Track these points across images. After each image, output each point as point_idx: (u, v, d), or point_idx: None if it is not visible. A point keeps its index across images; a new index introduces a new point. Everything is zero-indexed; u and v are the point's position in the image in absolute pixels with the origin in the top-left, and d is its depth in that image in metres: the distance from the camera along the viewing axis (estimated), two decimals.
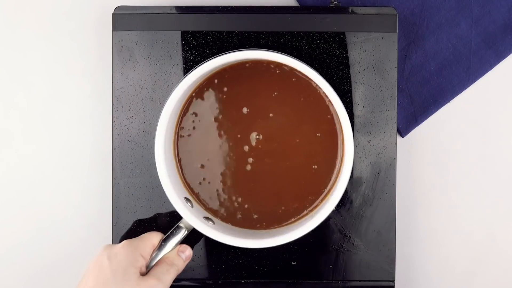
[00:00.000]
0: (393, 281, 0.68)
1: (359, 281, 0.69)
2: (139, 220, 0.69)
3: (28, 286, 0.75)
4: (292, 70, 0.65)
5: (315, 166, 0.66)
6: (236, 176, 0.67)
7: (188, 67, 0.68)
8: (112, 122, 0.69)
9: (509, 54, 0.73)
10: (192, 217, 0.63)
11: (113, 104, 0.69)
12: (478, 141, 0.74)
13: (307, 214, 0.67)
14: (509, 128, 0.74)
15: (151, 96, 0.69)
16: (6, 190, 0.75)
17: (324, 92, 0.65)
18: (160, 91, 0.69)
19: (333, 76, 0.68)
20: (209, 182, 0.67)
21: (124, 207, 0.69)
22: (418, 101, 0.73)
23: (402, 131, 0.74)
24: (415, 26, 0.73)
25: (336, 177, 0.66)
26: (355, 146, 0.68)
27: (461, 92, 0.73)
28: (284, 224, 0.67)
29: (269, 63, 0.66)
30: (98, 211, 0.74)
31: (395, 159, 0.68)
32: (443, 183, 0.74)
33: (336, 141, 0.66)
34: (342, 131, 0.65)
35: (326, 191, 0.66)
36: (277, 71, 0.66)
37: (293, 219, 0.67)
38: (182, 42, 0.68)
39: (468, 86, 0.73)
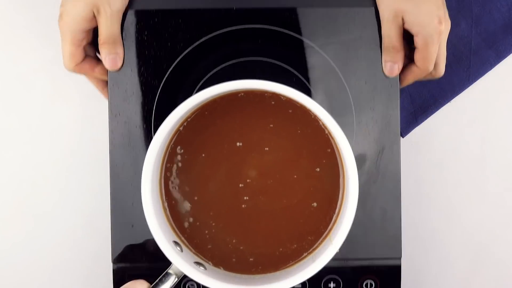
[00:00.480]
0: (400, 258, 0.65)
1: (365, 259, 0.66)
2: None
3: (27, 286, 0.74)
4: (289, 101, 0.59)
5: (315, 204, 0.61)
6: (230, 215, 0.61)
7: (185, 46, 0.64)
8: (109, 110, 0.65)
9: (509, 54, 0.71)
10: (182, 263, 0.57)
11: (109, 87, 0.65)
12: (478, 141, 0.72)
13: (306, 256, 0.61)
14: (509, 128, 0.72)
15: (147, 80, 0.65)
16: (5, 190, 0.74)
17: (323, 124, 0.59)
18: (157, 75, 0.65)
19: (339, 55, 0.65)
20: (199, 224, 0.61)
21: (122, 207, 0.65)
22: (418, 101, 0.71)
23: (402, 131, 0.72)
24: None
25: (337, 215, 0.61)
26: (358, 122, 0.64)
27: (461, 92, 0.71)
28: (281, 268, 0.61)
29: (263, 93, 0.59)
30: (98, 211, 0.72)
31: (399, 135, 0.65)
32: (443, 183, 0.73)
33: (337, 177, 0.60)
34: (343, 165, 0.60)
35: (326, 231, 0.61)
36: (272, 102, 0.60)
37: (291, 262, 0.61)
38: (178, 20, 0.64)
39: (468, 86, 0.71)
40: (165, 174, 0.61)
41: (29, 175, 0.74)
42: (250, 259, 0.61)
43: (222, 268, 0.61)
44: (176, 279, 0.58)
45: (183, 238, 0.61)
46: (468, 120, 0.73)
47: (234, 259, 0.61)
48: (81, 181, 0.73)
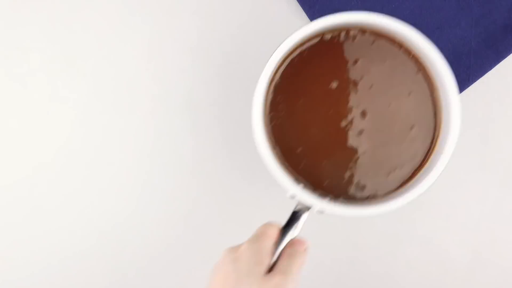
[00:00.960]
0: None
1: None
2: None
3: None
4: (372, 33, 0.63)
5: (414, 130, 0.64)
6: (338, 152, 0.63)
7: None
8: None
9: (509, 54, 0.71)
10: (309, 197, 0.60)
11: None
12: (478, 141, 0.72)
13: (414, 176, 0.64)
14: (509, 128, 0.73)
15: None
16: (4, 190, 0.71)
17: (408, 47, 0.63)
18: None
19: None
20: (311, 164, 0.63)
21: None
22: None
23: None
24: (415, 26, 0.72)
25: (437, 138, 0.64)
26: None
27: (461, 92, 0.71)
28: (391, 193, 0.64)
29: (348, 29, 0.63)
30: (99, 210, 0.71)
31: None
32: (443, 183, 0.72)
33: (431, 99, 0.64)
34: (435, 85, 0.63)
35: (429, 151, 0.64)
36: (356, 38, 0.63)
37: (399, 186, 0.64)
38: None
39: (468, 86, 0.71)
40: (270, 123, 0.63)
41: (29, 175, 0.72)
42: (364, 188, 0.63)
43: (342, 197, 0.63)
44: (306, 214, 0.60)
45: (300, 179, 0.63)
46: (468, 120, 0.73)
47: (350, 191, 0.63)
48: (81, 181, 0.72)
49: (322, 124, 0.63)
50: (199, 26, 0.72)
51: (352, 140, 0.63)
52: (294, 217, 0.60)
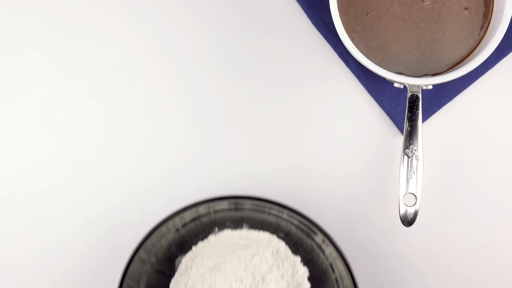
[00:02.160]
0: None
1: None
2: None
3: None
4: None
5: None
6: (409, 31, 0.67)
7: None
8: None
9: (509, 53, 0.71)
10: (413, 79, 0.67)
11: None
12: (478, 141, 0.71)
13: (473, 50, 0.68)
14: (509, 128, 0.72)
15: None
16: (3, 190, 0.71)
17: None
18: None
19: None
20: (394, 51, 0.67)
21: None
22: None
23: (403, 131, 0.73)
24: None
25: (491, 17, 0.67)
26: None
27: (461, 91, 0.71)
28: (450, 68, 0.68)
29: None
30: (97, 212, 0.71)
31: None
32: (443, 183, 0.71)
33: None
34: None
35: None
36: None
37: (456, 61, 0.68)
38: None
39: (468, 86, 0.71)
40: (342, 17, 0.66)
41: (29, 175, 0.71)
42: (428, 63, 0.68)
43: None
44: (419, 94, 0.67)
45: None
46: (468, 120, 0.72)
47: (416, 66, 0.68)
48: (82, 182, 0.71)
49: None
50: (199, 26, 0.71)
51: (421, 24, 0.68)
52: (412, 101, 0.66)
